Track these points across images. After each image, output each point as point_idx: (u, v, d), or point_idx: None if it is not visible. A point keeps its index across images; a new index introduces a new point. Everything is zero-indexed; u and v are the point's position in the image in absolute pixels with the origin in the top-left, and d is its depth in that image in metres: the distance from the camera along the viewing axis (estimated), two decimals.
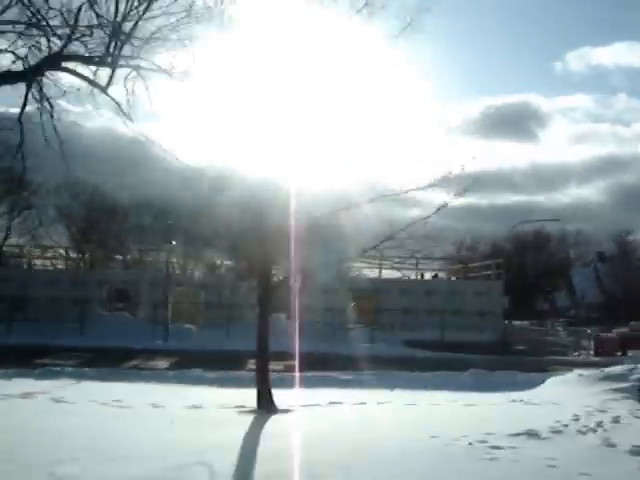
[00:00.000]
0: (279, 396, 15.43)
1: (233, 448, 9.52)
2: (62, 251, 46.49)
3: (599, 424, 11.49)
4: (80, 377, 19.79)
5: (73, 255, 46.02)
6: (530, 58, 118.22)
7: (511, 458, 9.13)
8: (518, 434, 10.56)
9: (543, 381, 19.63)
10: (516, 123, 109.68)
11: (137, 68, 14.06)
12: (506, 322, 38.80)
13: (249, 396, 14.79)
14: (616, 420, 11.95)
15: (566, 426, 11.30)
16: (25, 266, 41.36)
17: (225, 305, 33.25)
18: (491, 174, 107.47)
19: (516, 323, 47.72)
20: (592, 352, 33.26)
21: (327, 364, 24.52)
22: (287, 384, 18.81)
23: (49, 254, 46.99)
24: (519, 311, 56.94)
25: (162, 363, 25.36)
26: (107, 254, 49.91)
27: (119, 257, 50.87)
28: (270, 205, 13.72)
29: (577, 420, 11.90)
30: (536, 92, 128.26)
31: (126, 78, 14.15)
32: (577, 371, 19.33)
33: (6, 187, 41.33)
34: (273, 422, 12.61)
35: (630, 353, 31.97)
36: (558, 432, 10.83)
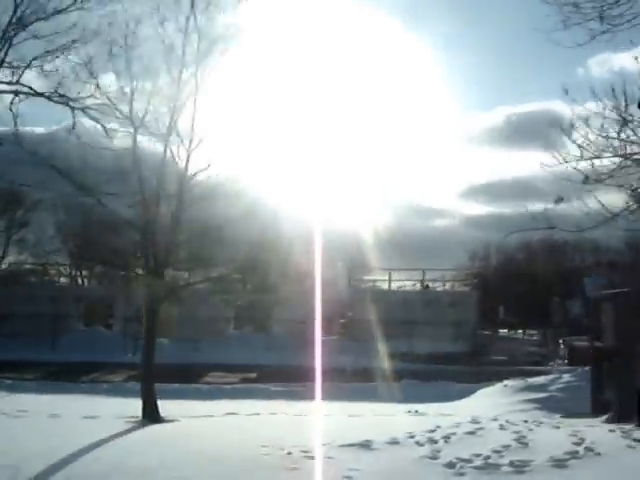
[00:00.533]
0: (190, 407, 15.63)
1: (52, 456, 9.72)
2: (61, 268, 47.21)
3: (448, 436, 11.43)
4: (19, 389, 20.30)
5: (70, 271, 46.67)
6: (552, 66, 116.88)
7: (311, 469, 9.21)
8: (351, 444, 10.60)
9: (475, 392, 19.57)
10: (539, 131, 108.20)
11: None
12: (487, 332, 38.47)
13: (168, 408, 15.06)
14: (472, 432, 11.87)
15: (412, 437, 11.28)
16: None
17: (198, 319, 33.55)
18: (519, 182, 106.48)
19: (510, 333, 47.20)
20: (567, 361, 32.86)
21: (285, 376, 24.67)
22: (214, 395, 19.08)
23: (52, 270, 47.71)
24: (530, 321, 56.29)
25: (119, 377, 25.76)
26: (108, 270, 50.42)
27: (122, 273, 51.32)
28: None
29: (433, 432, 11.84)
30: (560, 99, 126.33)
31: None
32: (505, 382, 19.23)
33: (3, 204, 42.18)
34: (141, 432, 12.81)
35: None
36: (395, 443, 10.83)
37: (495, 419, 13.37)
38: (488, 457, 9.94)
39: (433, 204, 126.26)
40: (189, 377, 25.10)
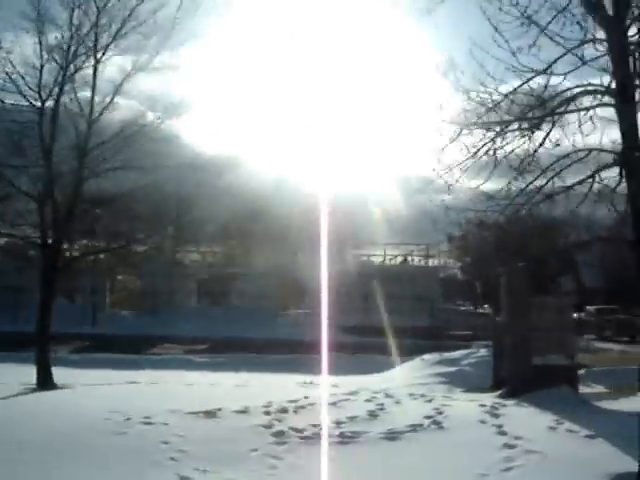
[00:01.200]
0: (107, 375, 15.94)
1: None
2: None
3: (303, 406, 11.58)
4: None
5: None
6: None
7: (137, 433, 9.41)
8: (198, 412, 10.80)
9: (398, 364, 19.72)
10: (543, 106, 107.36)
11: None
12: (456, 307, 38.50)
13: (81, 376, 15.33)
14: (333, 403, 11.97)
15: (267, 407, 11.43)
16: None
17: (160, 292, 33.89)
18: (521, 158, 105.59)
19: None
20: None
21: (235, 348, 24.97)
22: (139, 366, 19.38)
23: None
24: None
25: (69, 347, 26.13)
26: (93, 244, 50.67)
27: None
28: None
29: (293, 402, 11.98)
30: (561, 75, 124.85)
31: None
32: (423, 356, 19.32)
33: None
34: (27, 398, 13.06)
35: None
36: (243, 412, 11.00)
37: (377, 392, 13.48)
38: (323, 428, 10.05)
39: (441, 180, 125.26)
40: (140, 348, 25.42)
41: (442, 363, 17.82)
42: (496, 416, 11.31)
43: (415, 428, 10.39)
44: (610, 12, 8.15)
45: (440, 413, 11.44)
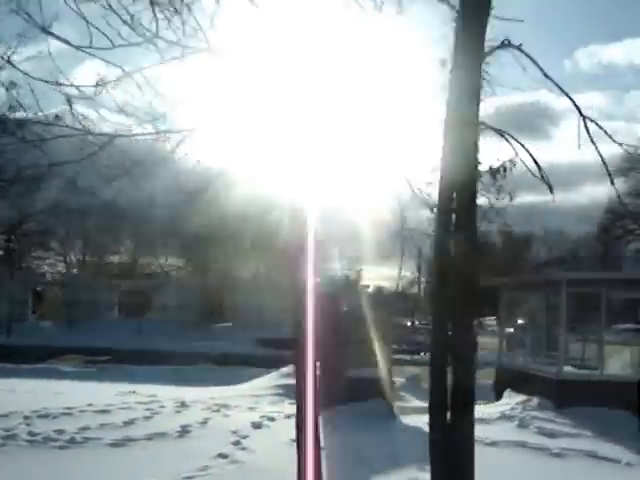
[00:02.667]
0: None
1: None
2: None
3: (65, 414, 11.89)
4: None
5: None
6: (540, 57, 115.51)
7: None
8: None
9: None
10: (529, 121, 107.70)
11: None
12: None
13: None
14: (83, 411, 12.28)
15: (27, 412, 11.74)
16: None
17: (82, 303, 34.22)
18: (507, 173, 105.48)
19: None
20: None
21: (135, 359, 25.23)
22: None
23: None
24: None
25: None
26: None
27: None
28: None
29: (70, 409, 12.28)
30: (548, 91, 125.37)
31: None
32: (284, 368, 19.49)
33: None
34: None
35: None
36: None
37: (183, 401, 13.80)
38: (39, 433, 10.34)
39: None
40: (42, 358, 25.62)
41: (290, 375, 18.03)
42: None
43: (163, 436, 10.72)
44: None
45: (203, 423, 11.77)
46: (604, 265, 65.62)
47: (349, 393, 14.36)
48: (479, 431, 10.66)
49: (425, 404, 15.57)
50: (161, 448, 10.13)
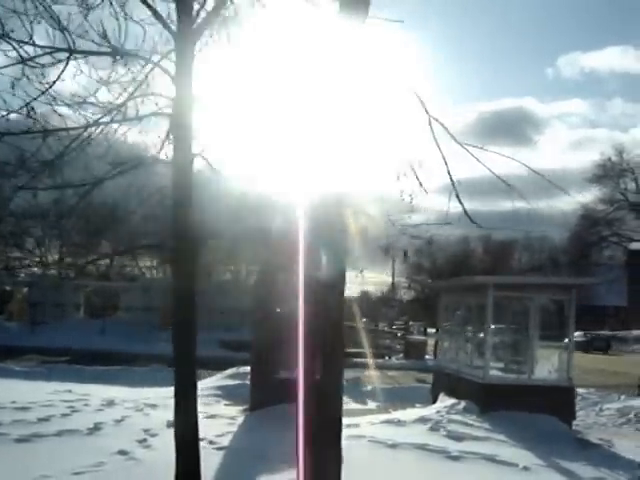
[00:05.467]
0: None
1: None
2: None
3: None
4: None
5: None
6: (523, 64, 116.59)
7: None
8: None
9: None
10: (512, 128, 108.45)
11: None
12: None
13: None
14: None
15: None
16: None
17: (47, 304, 34.13)
18: (490, 180, 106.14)
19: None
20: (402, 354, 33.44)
21: (93, 360, 25.19)
22: None
23: None
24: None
25: None
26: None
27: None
28: None
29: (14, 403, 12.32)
30: (532, 97, 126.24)
31: None
32: (229, 370, 19.46)
33: None
34: None
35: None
36: None
37: (114, 400, 13.81)
38: None
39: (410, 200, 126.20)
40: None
41: (234, 377, 18.03)
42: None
43: (73, 433, 10.71)
44: None
45: (119, 421, 11.74)
46: (579, 271, 65.77)
47: (280, 394, 14.35)
48: (387, 433, 10.78)
49: (360, 406, 15.61)
50: (65, 444, 10.11)
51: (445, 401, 14.59)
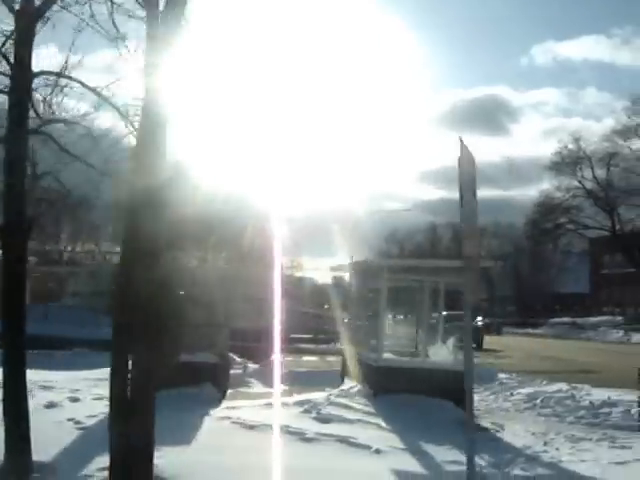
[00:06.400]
0: None
1: None
2: None
3: None
4: None
5: None
6: (498, 52, 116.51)
7: None
8: None
9: None
10: (487, 117, 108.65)
11: None
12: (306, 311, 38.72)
13: None
14: None
15: None
16: None
17: None
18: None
19: None
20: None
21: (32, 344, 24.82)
22: None
23: None
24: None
25: None
26: None
27: None
28: None
29: None
30: (507, 86, 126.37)
31: None
32: None
33: None
34: None
35: None
36: None
37: None
38: None
39: (388, 188, 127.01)
40: None
41: None
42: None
43: None
44: None
45: None
46: (539, 258, 66.04)
47: (180, 377, 14.21)
48: (258, 416, 10.65)
49: (267, 390, 15.51)
50: None
51: (347, 384, 14.54)
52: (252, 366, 17.45)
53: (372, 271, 13.98)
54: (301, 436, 9.42)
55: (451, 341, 13.81)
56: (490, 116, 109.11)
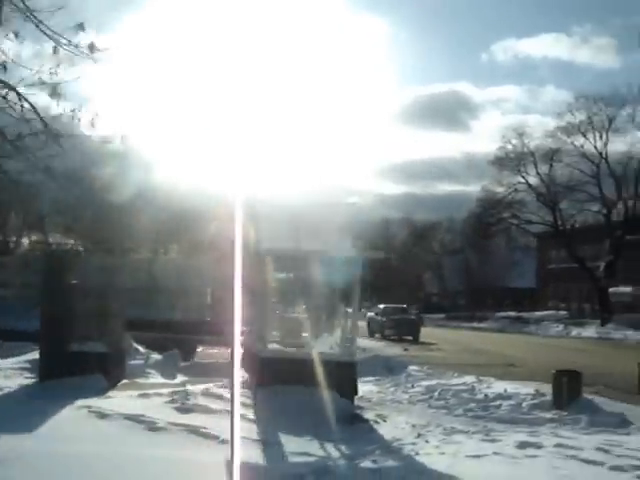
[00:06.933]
0: None
1: None
2: None
3: None
4: None
5: None
6: (459, 48, 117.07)
7: None
8: None
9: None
10: (448, 113, 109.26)
11: None
12: None
13: None
14: None
15: None
16: None
17: None
18: (427, 163, 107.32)
19: None
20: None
21: None
22: None
23: None
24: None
25: None
26: None
27: None
28: None
29: None
30: (468, 82, 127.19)
31: None
32: None
33: None
34: None
35: None
36: None
37: None
38: None
39: (349, 183, 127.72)
40: None
41: None
42: None
43: None
44: None
45: None
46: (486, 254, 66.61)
47: (70, 367, 13.99)
48: (123, 406, 10.45)
49: (164, 381, 15.26)
50: None
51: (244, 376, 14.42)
52: (155, 357, 17.21)
53: (259, 260, 13.83)
54: (151, 425, 9.27)
55: (338, 332, 13.70)
56: (451, 112, 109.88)
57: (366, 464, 8.94)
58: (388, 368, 19.29)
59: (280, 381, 12.81)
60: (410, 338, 37.19)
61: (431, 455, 9.57)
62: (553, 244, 58.27)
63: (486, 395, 15.06)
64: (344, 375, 13.26)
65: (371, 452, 9.76)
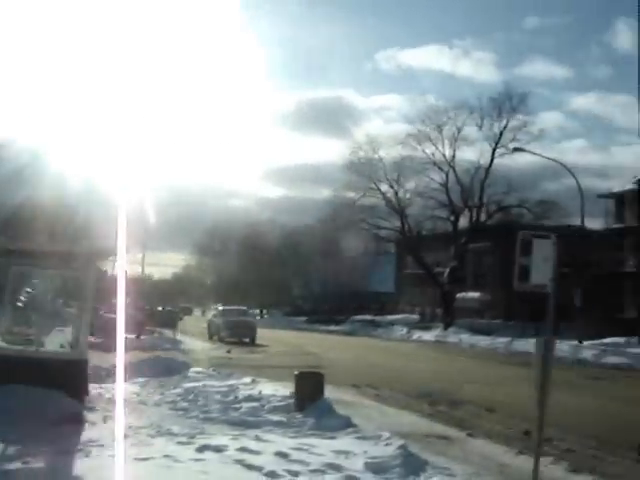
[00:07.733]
0: None
1: None
2: None
3: None
4: None
5: None
6: (344, 56, 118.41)
7: None
8: None
9: None
10: (331, 119, 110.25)
11: None
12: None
13: None
14: None
15: None
16: None
17: None
18: (309, 168, 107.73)
19: None
20: None
21: None
22: None
23: None
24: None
25: None
26: None
27: None
28: None
29: None
30: (352, 90, 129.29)
31: None
32: None
33: None
34: None
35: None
36: None
37: None
38: None
39: (230, 185, 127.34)
40: None
41: None
42: None
43: None
44: None
45: None
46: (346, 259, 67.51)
47: None
48: None
49: None
50: None
51: None
52: None
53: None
54: None
55: (70, 329, 13.46)
56: (334, 118, 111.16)
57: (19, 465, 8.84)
58: (170, 370, 19.24)
59: (5, 379, 12.42)
60: (247, 340, 37.31)
61: (100, 457, 9.54)
62: (410, 249, 59.80)
63: (236, 397, 15.18)
64: (73, 374, 13.02)
65: (61, 452, 9.67)
